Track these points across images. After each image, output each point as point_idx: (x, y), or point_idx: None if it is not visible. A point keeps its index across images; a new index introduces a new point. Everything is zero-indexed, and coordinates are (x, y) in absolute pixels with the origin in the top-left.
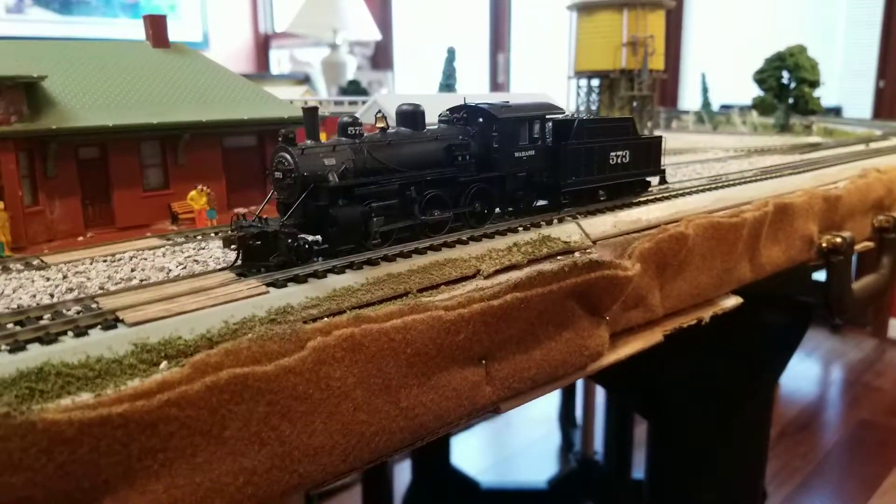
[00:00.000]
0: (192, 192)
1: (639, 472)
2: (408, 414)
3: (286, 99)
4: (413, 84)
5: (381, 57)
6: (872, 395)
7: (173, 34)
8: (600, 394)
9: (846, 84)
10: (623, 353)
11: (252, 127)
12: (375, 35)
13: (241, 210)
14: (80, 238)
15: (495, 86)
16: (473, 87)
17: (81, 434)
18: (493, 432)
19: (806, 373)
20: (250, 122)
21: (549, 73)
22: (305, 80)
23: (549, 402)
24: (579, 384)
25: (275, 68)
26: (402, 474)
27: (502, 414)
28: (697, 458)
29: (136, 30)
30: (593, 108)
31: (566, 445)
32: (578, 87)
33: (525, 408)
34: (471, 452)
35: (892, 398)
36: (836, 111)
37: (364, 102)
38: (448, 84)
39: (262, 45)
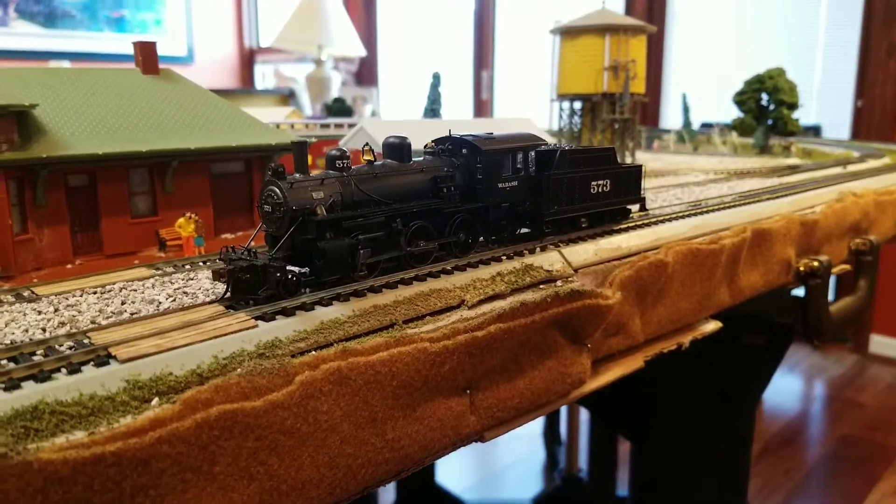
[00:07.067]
0: (181, 220)
1: (623, 489)
2: (393, 445)
3: (272, 122)
4: (397, 101)
5: (365, 73)
6: (854, 411)
7: (158, 49)
8: (584, 411)
9: (825, 102)
10: (605, 379)
11: (239, 153)
12: (360, 51)
13: (230, 236)
14: (69, 266)
15: (479, 103)
16: (457, 104)
17: (76, 473)
18: (478, 450)
19: (788, 388)
20: (238, 148)
21: (531, 92)
22: (290, 95)
23: (534, 420)
24: None
25: (259, 83)
26: (387, 494)
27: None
28: (681, 477)
29: (120, 44)
30: (575, 130)
31: (551, 463)
32: (561, 109)
33: None
34: (455, 470)
35: (873, 414)
36: (815, 130)
37: (350, 126)
38: (433, 109)
39: (247, 59)
